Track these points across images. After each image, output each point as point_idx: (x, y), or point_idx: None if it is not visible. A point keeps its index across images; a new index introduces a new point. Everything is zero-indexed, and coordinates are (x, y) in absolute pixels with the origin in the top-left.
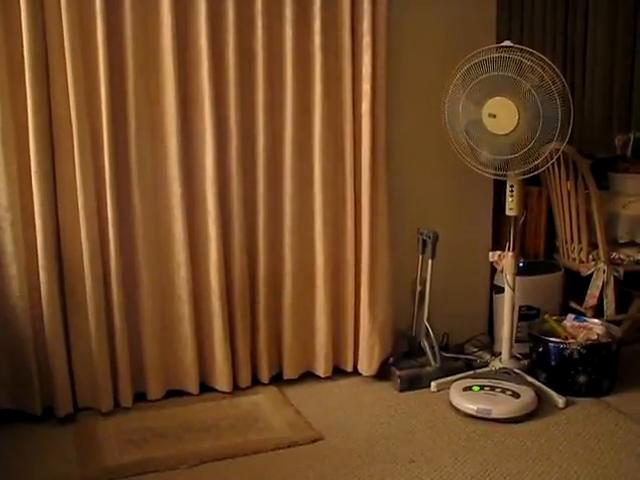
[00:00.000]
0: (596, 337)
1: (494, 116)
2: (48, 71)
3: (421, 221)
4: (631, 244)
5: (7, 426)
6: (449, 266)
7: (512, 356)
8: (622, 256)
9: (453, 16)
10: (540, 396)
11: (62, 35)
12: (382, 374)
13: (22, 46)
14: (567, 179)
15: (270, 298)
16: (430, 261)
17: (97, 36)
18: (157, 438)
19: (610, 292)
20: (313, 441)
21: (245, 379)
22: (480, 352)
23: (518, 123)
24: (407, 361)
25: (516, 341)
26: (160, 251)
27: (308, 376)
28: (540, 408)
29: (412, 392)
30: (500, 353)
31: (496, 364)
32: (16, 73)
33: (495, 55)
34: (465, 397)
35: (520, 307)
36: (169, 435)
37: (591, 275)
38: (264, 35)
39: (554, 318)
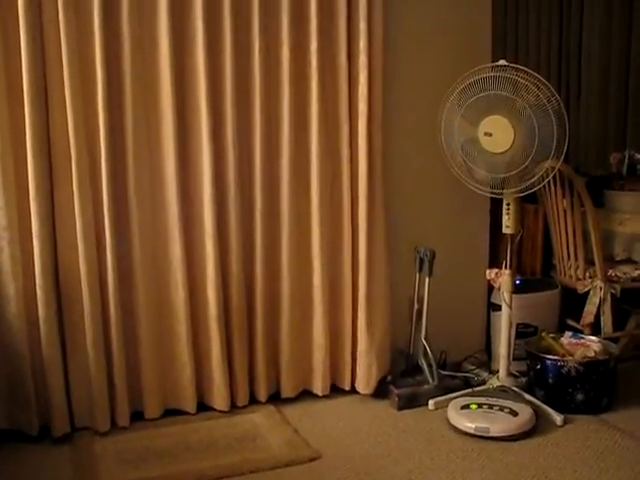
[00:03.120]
0: (593, 354)
1: (490, 134)
2: (47, 95)
3: (418, 239)
4: (627, 261)
5: (3, 446)
6: (446, 284)
7: (510, 374)
8: (619, 273)
9: (448, 36)
10: (538, 414)
11: (61, 60)
12: (380, 392)
13: (21, 71)
14: (563, 197)
15: (268, 316)
16: (427, 279)
17: (95, 60)
18: (154, 457)
19: (607, 309)
20: (311, 460)
21: (243, 398)
22: (478, 370)
23: (514, 141)
24: (405, 379)
25: (514, 359)
26: (157, 271)
27: (306, 395)
28: (538, 426)
29: (410, 410)
30: (498, 371)
31: (494, 382)
32: (15, 96)
33: (490, 74)
34: (463, 415)
35: (517, 325)
36: (166, 454)
37: (588, 292)
38: (261, 57)
39: (551, 335)
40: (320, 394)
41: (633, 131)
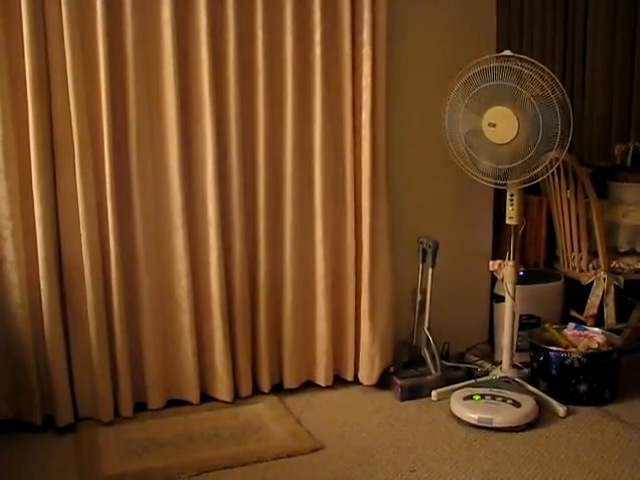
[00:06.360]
0: (597, 346)
1: (494, 125)
2: (49, 83)
3: (421, 230)
4: (631, 253)
5: (7, 436)
6: (449, 275)
7: (513, 365)
8: (622, 265)
9: (453, 26)
10: (541, 405)
11: (64, 50)
12: (383, 383)
13: (24, 60)
14: (567, 188)
15: (271, 307)
16: (430, 270)
17: (98, 48)
18: (157, 448)
19: (610, 301)
20: (313, 450)
21: (246, 388)
22: (481, 361)
23: (518, 132)
24: (408, 370)
25: (517, 350)
26: (161, 260)
27: (309, 385)
28: (541, 417)
29: (413, 401)
30: (501, 362)
31: (497, 373)
32: (18, 84)
33: (495, 64)
34: (466, 406)
35: (521, 316)
36: (169, 445)
37: (591, 284)
38: (264, 47)
39: (555, 327)
40: (323, 385)
41: (637, 122)
